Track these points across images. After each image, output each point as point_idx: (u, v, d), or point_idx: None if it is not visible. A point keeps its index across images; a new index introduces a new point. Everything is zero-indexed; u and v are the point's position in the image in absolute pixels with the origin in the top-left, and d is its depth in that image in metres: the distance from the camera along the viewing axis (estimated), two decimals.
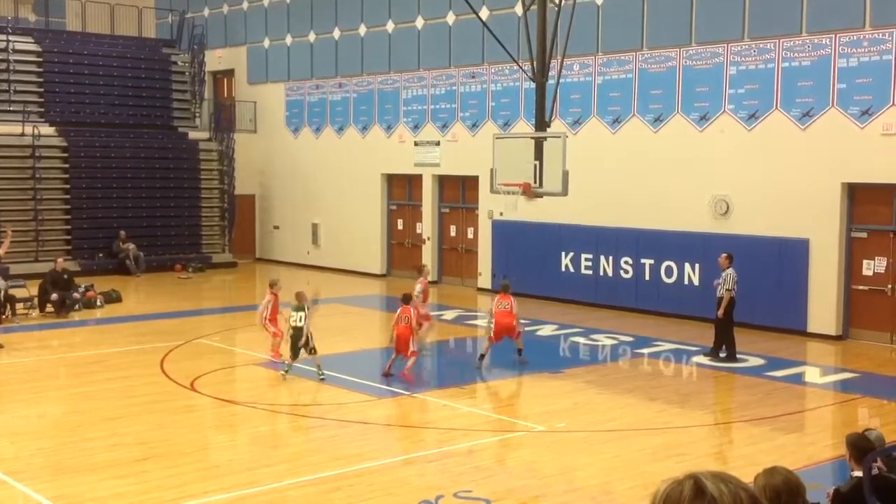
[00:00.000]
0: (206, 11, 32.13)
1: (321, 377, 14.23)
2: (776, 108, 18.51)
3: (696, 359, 16.15)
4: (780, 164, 18.39)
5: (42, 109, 27.70)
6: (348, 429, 11.91)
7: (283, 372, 14.46)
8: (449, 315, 20.93)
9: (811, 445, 11.42)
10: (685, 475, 2.27)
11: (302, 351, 14.42)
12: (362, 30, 27.19)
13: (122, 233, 26.83)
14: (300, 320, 14.40)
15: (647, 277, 20.52)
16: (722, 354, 15.78)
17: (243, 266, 29.34)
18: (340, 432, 11.75)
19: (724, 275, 15.74)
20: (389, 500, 9.15)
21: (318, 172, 28.67)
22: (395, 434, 11.73)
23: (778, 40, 18.43)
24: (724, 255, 16.00)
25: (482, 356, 15.67)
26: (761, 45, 18.70)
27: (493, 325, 15.52)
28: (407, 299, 14.93)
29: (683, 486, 2.23)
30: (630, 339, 17.88)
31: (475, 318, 20.70)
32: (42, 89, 27.99)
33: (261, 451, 11.09)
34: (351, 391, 13.92)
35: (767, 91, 18.62)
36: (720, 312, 15.67)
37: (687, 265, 19.80)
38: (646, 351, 16.89)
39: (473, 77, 24.35)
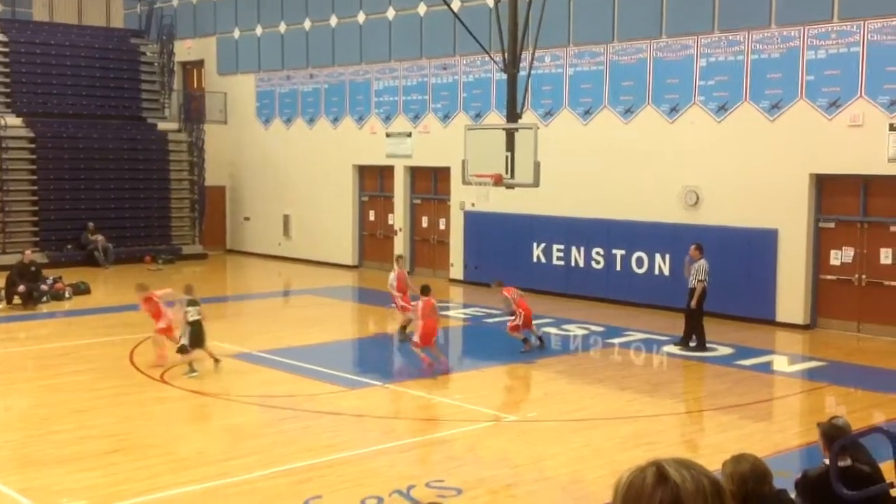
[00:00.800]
0: (175, 1, 31.83)
1: (192, 373, 13.82)
2: (745, 99, 18.64)
3: (666, 348, 16.26)
4: (750, 155, 18.53)
5: (8, 100, 27.34)
6: (320, 420, 11.87)
7: (192, 374, 13.90)
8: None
9: (779, 433, 11.54)
10: (648, 462, 2.26)
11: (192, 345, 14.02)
12: (333, 20, 27.05)
13: (91, 224, 26.57)
14: (198, 314, 14.06)
15: (618, 268, 20.61)
16: (692, 344, 15.91)
17: (214, 257, 29.16)
18: (312, 423, 11.72)
19: (696, 266, 15.84)
20: (361, 491, 9.14)
21: (290, 164, 28.53)
22: (367, 425, 11.71)
23: (747, 32, 18.55)
24: (694, 245, 16.11)
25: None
26: (731, 38, 18.81)
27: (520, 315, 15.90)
28: (427, 291, 14.79)
29: (646, 473, 2.23)
30: (601, 328, 17.97)
31: (447, 308, 20.68)
32: (8, 80, 27.62)
33: (231, 442, 11.02)
34: (323, 382, 13.88)
35: (737, 83, 18.75)
36: (693, 303, 15.77)
37: (658, 255, 19.91)
38: (616, 341, 16.98)
39: (445, 68, 24.31)
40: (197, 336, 14.07)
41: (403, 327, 16.96)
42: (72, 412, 12.13)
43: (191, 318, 14.02)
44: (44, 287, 20.27)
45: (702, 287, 15.73)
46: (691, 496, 2.17)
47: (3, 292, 19.89)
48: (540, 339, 16.10)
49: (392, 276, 17.30)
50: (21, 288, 19.68)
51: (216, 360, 14.32)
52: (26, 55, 28.06)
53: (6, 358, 15.58)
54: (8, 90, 27.50)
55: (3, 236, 25.81)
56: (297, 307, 22.07)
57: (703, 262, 15.85)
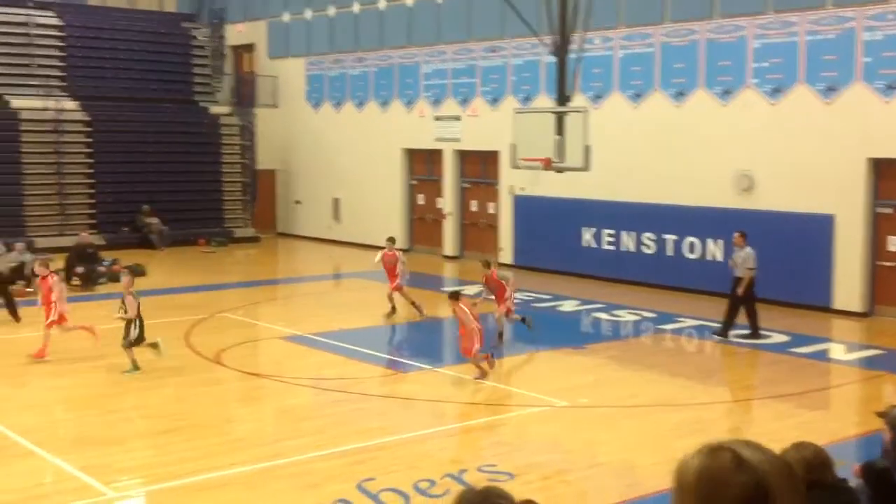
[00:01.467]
0: None
1: (133, 370, 13.10)
2: (800, 81, 18.33)
3: (719, 335, 16.09)
4: (805, 138, 18.23)
5: (64, 84, 27.80)
6: (370, 402, 11.99)
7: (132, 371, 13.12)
8: (471, 290, 20.89)
9: (836, 422, 11.40)
10: (710, 447, 2.14)
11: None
12: (382, 3, 27.06)
13: (146, 207, 26.97)
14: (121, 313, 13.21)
15: (669, 253, 20.44)
16: (746, 332, 15.64)
17: (265, 241, 29.45)
18: (363, 406, 11.83)
19: (743, 253, 15.57)
20: (413, 474, 9.21)
21: (339, 147, 28.67)
22: (417, 408, 11.79)
23: (802, 13, 18.21)
24: (738, 233, 15.81)
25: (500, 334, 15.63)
26: (785, 19, 18.49)
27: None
28: (456, 296, 13.52)
29: (720, 458, 2.11)
30: (653, 314, 17.84)
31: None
32: (65, 64, 28.07)
33: (284, 423, 11.18)
34: (374, 365, 14.00)
35: (791, 65, 18.43)
36: (741, 291, 15.49)
37: (710, 241, 19.70)
38: (669, 327, 16.86)
39: (493, 51, 24.22)
40: (126, 330, 13.26)
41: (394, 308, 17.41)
42: (129, 392, 12.39)
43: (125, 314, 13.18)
44: (101, 269, 20.66)
45: (751, 276, 15.45)
46: (774, 477, 2.08)
47: (62, 274, 20.26)
48: (500, 334, 15.56)
49: (378, 255, 17.82)
50: (79, 269, 20.07)
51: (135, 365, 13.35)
52: (81, 39, 28.48)
53: (65, 338, 15.89)
54: (64, 74, 27.94)
55: (62, 219, 26.29)
56: (348, 290, 22.22)
57: (749, 249, 15.57)
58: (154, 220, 26.93)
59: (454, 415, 11.55)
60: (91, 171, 27.13)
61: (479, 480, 9.02)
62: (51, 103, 26.55)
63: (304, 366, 14.02)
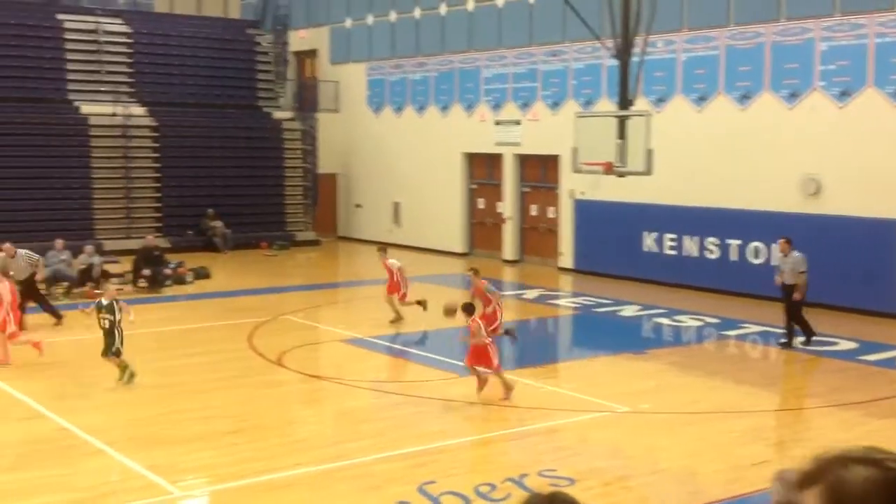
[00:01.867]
0: None
1: (129, 379, 12.75)
2: (869, 84, 17.95)
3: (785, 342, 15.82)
4: (873, 142, 17.84)
5: (132, 90, 28.40)
6: (431, 406, 12.03)
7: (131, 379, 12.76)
8: (531, 294, 20.92)
9: None
10: (835, 456, 1.87)
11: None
12: (443, 9, 27.17)
13: (210, 210, 27.42)
14: (106, 322, 12.63)
15: (733, 258, 20.15)
16: (800, 339, 15.31)
17: (326, 244, 29.73)
18: (422, 409, 11.88)
19: (791, 259, 15.21)
20: (474, 477, 9.23)
21: (400, 151, 28.84)
22: (478, 412, 11.80)
23: (870, 15, 17.84)
24: (783, 239, 15.50)
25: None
26: (853, 21, 18.12)
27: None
28: (470, 310, 12.72)
29: (860, 470, 1.83)
30: (716, 320, 17.61)
31: (557, 297, 20.64)
32: (132, 70, 28.68)
33: (345, 426, 11.27)
34: (433, 368, 14.04)
35: (860, 68, 18.06)
36: (798, 296, 15.12)
37: (775, 246, 19.37)
38: (732, 333, 16.62)
39: (554, 55, 24.16)
40: (106, 344, 12.73)
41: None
42: (194, 393, 12.61)
43: (104, 325, 12.68)
44: (167, 271, 21.06)
45: (805, 279, 15.11)
46: None
47: (129, 276, 20.73)
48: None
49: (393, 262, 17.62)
50: (146, 272, 20.49)
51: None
52: (148, 46, 29.09)
53: (133, 339, 16.18)
54: (132, 80, 28.56)
55: (128, 222, 26.86)
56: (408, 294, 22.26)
57: (797, 254, 15.26)
58: (218, 224, 27.37)
59: (514, 419, 11.54)
60: (158, 175, 27.67)
61: (539, 485, 9.00)
62: (119, 109, 27.16)
63: (364, 368, 14.13)
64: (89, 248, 20.34)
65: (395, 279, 17.17)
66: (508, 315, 19.74)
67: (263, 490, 9.12)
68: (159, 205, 27.60)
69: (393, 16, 28.79)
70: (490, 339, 12.43)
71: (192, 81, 29.38)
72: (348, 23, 30.45)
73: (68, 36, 27.90)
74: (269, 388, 13.03)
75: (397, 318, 17.12)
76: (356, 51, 30.27)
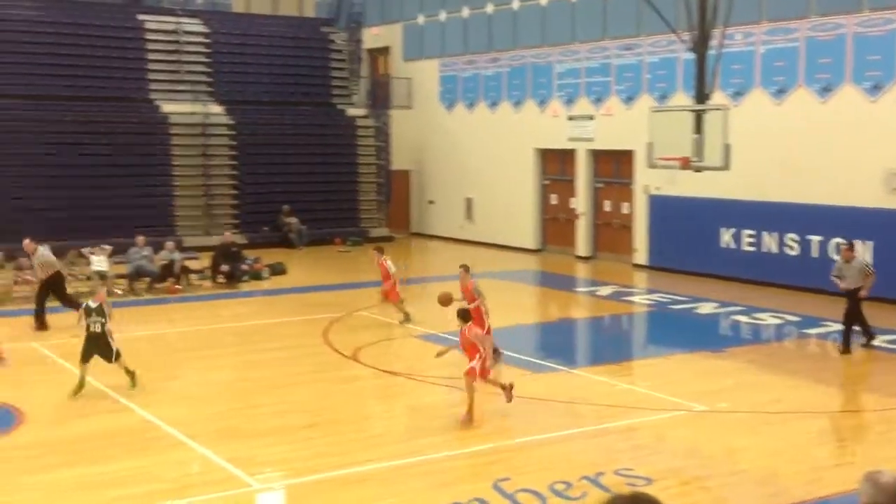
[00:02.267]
0: None
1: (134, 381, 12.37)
2: None
3: (865, 344, 15.39)
4: None
5: (211, 89, 28.94)
6: (503, 402, 12.00)
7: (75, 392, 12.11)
8: (604, 291, 20.76)
9: None
10: None
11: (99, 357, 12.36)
12: (516, 4, 27.09)
13: (286, 207, 27.80)
14: (98, 326, 12.17)
15: (814, 254, 19.70)
16: (863, 340, 14.82)
17: (399, 240, 29.89)
18: (497, 406, 11.86)
19: (855, 265, 14.68)
20: (548, 475, 9.19)
21: (472, 147, 28.85)
22: (552, 409, 11.74)
23: None
24: (846, 246, 15.05)
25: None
26: None
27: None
28: (466, 316, 11.70)
29: None
30: (796, 318, 17.24)
31: (631, 294, 20.44)
32: (211, 69, 29.22)
33: (419, 421, 11.32)
34: (505, 365, 14.01)
35: None
36: (864, 293, 14.60)
37: (858, 242, 18.85)
38: (813, 331, 16.26)
39: (628, 49, 23.90)
40: (85, 348, 12.25)
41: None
42: (272, 387, 12.81)
43: (92, 329, 12.18)
44: (244, 267, 21.43)
45: (873, 279, 14.63)
46: None
47: (208, 272, 21.14)
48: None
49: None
50: (224, 268, 20.88)
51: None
52: (226, 45, 29.60)
53: (211, 334, 16.60)
54: (210, 80, 29.10)
55: (207, 219, 27.40)
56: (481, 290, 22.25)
57: (859, 258, 14.89)
58: (293, 220, 27.74)
59: (589, 417, 11.46)
60: (235, 172, 28.16)
61: (616, 484, 8.94)
62: (198, 108, 27.70)
63: (437, 364, 14.12)
64: (170, 244, 20.78)
65: (392, 280, 16.81)
66: (582, 312, 19.70)
67: (338, 484, 9.23)
68: (237, 202, 28.08)
69: (465, 11, 28.80)
70: (487, 350, 11.41)
71: (268, 80, 29.81)
72: (421, 19, 30.55)
73: (149, 36, 28.53)
74: (344, 384, 13.17)
75: (406, 319, 16.76)
76: (429, 47, 30.36)
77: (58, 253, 19.68)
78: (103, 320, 12.23)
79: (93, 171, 25.81)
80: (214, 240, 23.62)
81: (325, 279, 22.29)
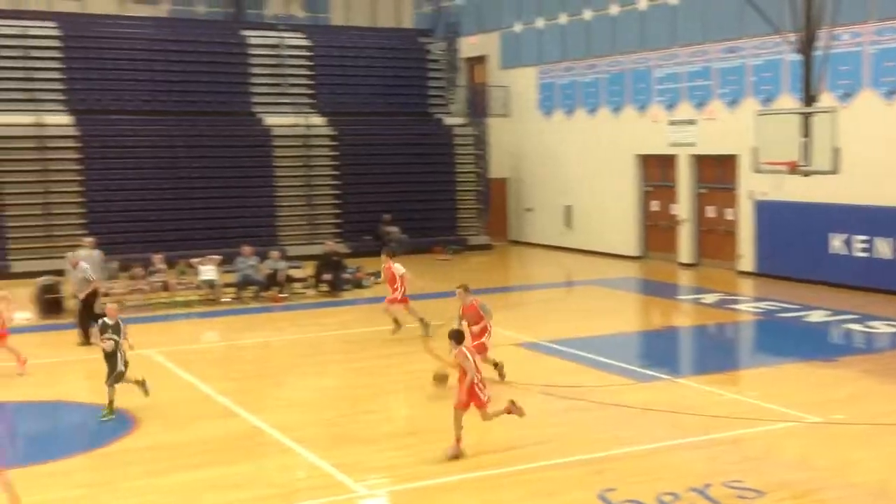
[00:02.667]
0: None
1: (109, 414, 11.78)
2: None
3: None
4: None
5: (312, 101, 29.49)
6: (606, 411, 11.88)
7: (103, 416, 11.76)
8: (709, 299, 20.34)
9: None
10: None
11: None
12: (614, 9, 26.84)
13: (387, 216, 28.10)
14: (111, 344, 11.82)
15: None
16: None
17: (497, 248, 29.91)
18: (597, 414, 11.75)
19: None
20: (655, 486, 9.04)
21: (571, 154, 28.67)
22: (656, 419, 11.56)
23: None
24: None
25: None
26: None
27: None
28: (460, 338, 10.66)
29: None
30: None
31: (737, 301, 19.99)
32: (313, 81, 29.78)
33: (517, 430, 11.24)
34: (607, 373, 13.87)
35: None
36: None
37: None
38: None
39: (731, 52, 23.41)
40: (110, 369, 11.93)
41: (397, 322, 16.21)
42: (375, 395, 12.97)
43: (106, 348, 11.85)
44: (346, 276, 21.74)
45: None
46: None
47: (311, 280, 21.51)
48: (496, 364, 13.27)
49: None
50: (327, 276, 21.22)
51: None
52: (326, 58, 30.13)
53: (317, 342, 16.88)
54: (312, 92, 29.66)
55: (310, 228, 27.91)
56: (581, 298, 22.14)
57: None
58: (394, 229, 28.02)
59: (696, 427, 11.23)
60: (336, 182, 28.61)
61: (725, 496, 8.75)
62: (300, 120, 28.27)
63: (537, 372, 14.09)
64: (275, 253, 21.23)
65: (400, 286, 16.35)
66: (686, 320, 19.35)
67: (439, 492, 9.26)
68: (338, 211, 28.52)
69: (563, 18, 28.68)
70: (480, 375, 10.42)
71: (368, 91, 30.22)
72: (518, 27, 30.55)
73: (252, 51, 29.27)
74: (444, 391, 13.18)
75: (397, 328, 16.15)
76: (526, 55, 30.33)
77: (168, 263, 20.43)
78: (116, 338, 11.82)
79: (200, 182, 26.57)
80: (317, 249, 24.04)
81: (425, 287, 22.40)
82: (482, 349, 12.67)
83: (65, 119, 25.98)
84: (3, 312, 14.36)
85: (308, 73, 29.80)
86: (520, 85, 30.62)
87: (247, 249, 20.86)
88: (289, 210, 27.93)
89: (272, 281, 20.53)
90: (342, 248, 25.43)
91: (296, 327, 17.99)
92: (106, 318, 12.10)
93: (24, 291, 18.83)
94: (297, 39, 30.11)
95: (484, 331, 13.02)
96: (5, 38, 26.38)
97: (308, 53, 29.96)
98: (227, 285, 20.50)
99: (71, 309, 18.64)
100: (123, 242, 23.52)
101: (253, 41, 29.37)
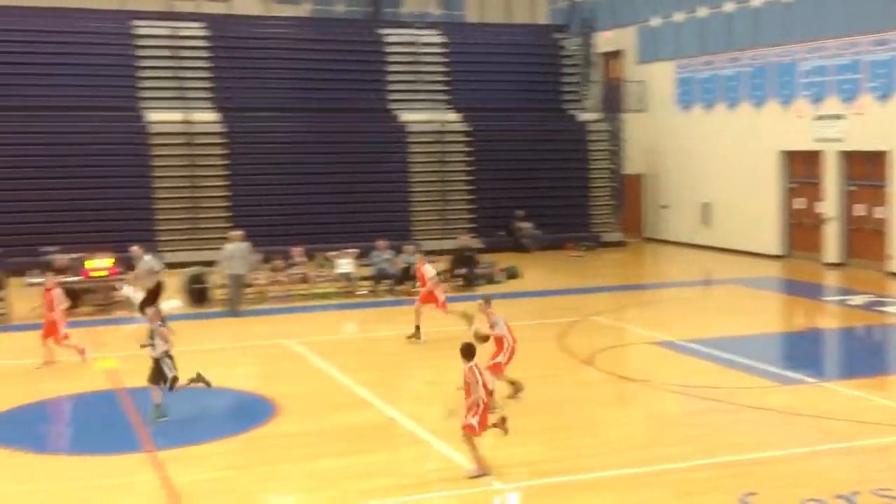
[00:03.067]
0: None
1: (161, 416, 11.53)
2: None
3: None
4: None
5: (447, 97, 29.74)
6: (746, 414, 11.57)
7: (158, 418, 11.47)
8: (857, 300, 19.50)
9: None
10: None
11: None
12: (757, 1, 26.03)
13: (520, 212, 28.08)
14: (149, 349, 11.56)
15: None
16: None
17: (631, 245, 29.47)
18: (738, 417, 11.45)
19: None
20: (799, 492, 8.74)
21: (709, 150, 27.95)
22: (799, 423, 11.16)
23: None
24: None
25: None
26: None
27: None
28: (470, 353, 9.73)
29: None
30: None
31: (887, 304, 19.09)
32: (447, 78, 30.02)
33: (656, 430, 11.08)
34: (748, 375, 13.49)
35: None
36: None
37: None
38: None
39: (882, 45, 22.36)
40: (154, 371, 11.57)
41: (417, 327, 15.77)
42: (506, 389, 12.93)
43: (153, 354, 11.51)
44: (479, 271, 21.84)
45: None
46: None
47: (445, 274, 21.64)
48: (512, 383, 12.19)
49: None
50: (460, 271, 21.38)
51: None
52: (462, 55, 30.32)
53: (450, 335, 16.95)
54: (447, 88, 29.91)
55: (443, 223, 28.16)
56: (720, 297, 21.57)
57: None
58: (527, 225, 27.99)
59: (841, 433, 10.79)
60: (470, 178, 28.76)
61: None
62: (435, 116, 28.55)
63: (675, 372, 13.83)
64: (410, 247, 21.50)
65: (430, 288, 16.07)
66: (832, 322, 18.60)
67: (577, 489, 9.20)
68: (472, 206, 28.67)
69: (703, 11, 27.99)
70: (489, 395, 9.69)
71: (502, 87, 30.28)
72: (655, 21, 29.98)
73: (388, 49, 29.74)
74: (579, 388, 13.13)
75: (416, 334, 15.75)
76: (664, 49, 29.74)
77: (307, 256, 20.98)
78: (152, 342, 11.53)
79: (337, 178, 27.15)
80: (450, 244, 24.23)
81: (558, 284, 22.33)
82: (496, 369, 11.77)
83: (212, 116, 27.03)
84: (56, 302, 14.46)
85: (443, 69, 30.07)
86: (656, 79, 30.05)
87: (382, 243, 21.21)
88: (422, 205, 28.25)
89: (406, 275, 20.81)
90: (475, 242, 25.54)
91: (429, 321, 18.12)
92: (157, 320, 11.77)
93: (173, 281, 19.69)
94: (433, 37, 30.41)
95: (500, 348, 12.15)
96: (157, 38, 27.67)
97: (443, 50, 30.24)
98: (363, 278, 20.90)
99: (216, 299, 19.45)
100: (266, 235, 24.25)
101: (390, 39, 29.83)
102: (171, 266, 22.86)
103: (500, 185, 28.48)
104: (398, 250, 21.30)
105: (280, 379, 13.75)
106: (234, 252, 18.53)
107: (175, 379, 11.52)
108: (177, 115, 26.50)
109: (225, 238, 19.72)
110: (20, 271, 19.52)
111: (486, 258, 23.17)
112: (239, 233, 19.43)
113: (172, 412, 11.51)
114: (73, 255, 19.60)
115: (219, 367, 14.80)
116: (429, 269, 16.45)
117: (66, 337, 14.48)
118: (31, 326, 16.13)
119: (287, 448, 10.52)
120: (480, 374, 9.57)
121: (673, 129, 29.57)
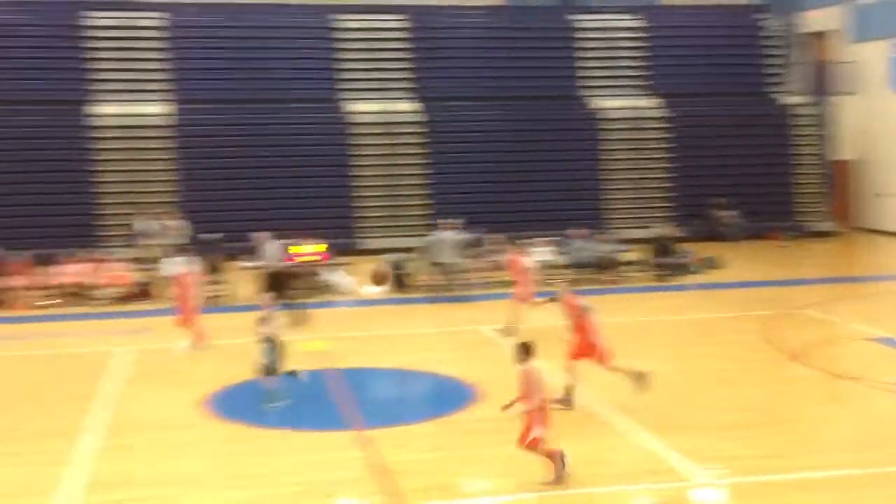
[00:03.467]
0: None
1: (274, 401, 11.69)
2: None
3: None
4: None
5: (643, 83, 29.22)
6: None
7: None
8: None
9: None
10: None
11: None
12: None
13: (722, 200, 27.17)
14: (269, 332, 11.76)
15: None
16: None
17: (842, 235, 27.94)
18: None
19: None
20: None
21: None
22: None
23: None
24: None
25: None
26: None
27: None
28: (525, 353, 9.02)
29: None
30: None
31: None
32: (643, 63, 29.47)
33: (873, 430, 10.50)
34: None
35: None
36: None
37: None
38: None
39: None
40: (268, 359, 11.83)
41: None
42: (711, 382, 12.68)
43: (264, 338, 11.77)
44: (678, 260, 21.37)
45: None
46: None
47: (642, 265, 21.33)
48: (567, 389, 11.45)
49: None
50: (658, 260, 21.02)
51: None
52: (658, 38, 29.71)
53: (647, 325, 16.62)
54: (643, 74, 29.36)
55: (638, 211, 27.67)
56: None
57: None
58: (728, 213, 27.10)
59: None
60: (667, 165, 28.12)
61: None
62: (630, 102, 28.12)
63: (892, 370, 13.04)
64: (606, 236, 21.38)
65: (525, 279, 15.20)
66: None
67: (788, 488, 8.86)
68: (670, 194, 28.03)
69: None
70: (544, 401, 8.86)
71: (700, 71, 29.48)
72: None
73: (580, 35, 29.50)
74: (786, 384, 12.66)
75: (509, 329, 14.78)
76: (877, 27, 27.95)
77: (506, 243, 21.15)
78: (265, 330, 11.79)
79: (526, 166, 27.19)
80: (644, 233, 23.81)
81: (761, 275, 21.49)
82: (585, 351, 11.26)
83: (412, 106, 27.71)
84: (190, 289, 14.90)
85: (640, 54, 29.63)
86: (869, 60, 28.30)
87: (579, 232, 21.14)
88: (616, 193, 27.89)
89: (602, 263, 20.64)
90: (674, 231, 24.94)
91: (628, 310, 17.88)
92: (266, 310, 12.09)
93: (370, 267, 20.35)
94: (627, 21, 29.92)
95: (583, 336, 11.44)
96: (357, 31, 28.66)
97: (639, 35, 29.69)
98: (561, 267, 20.85)
99: (415, 285, 19.94)
100: (465, 224, 24.66)
101: (581, 25, 29.59)
102: (368, 252, 23.63)
103: (698, 172, 27.71)
104: (594, 239, 21.15)
105: (475, 364, 13.93)
106: (444, 240, 18.95)
107: (265, 367, 11.68)
108: (376, 106, 27.34)
109: (429, 225, 20.14)
110: (233, 256, 20.56)
111: (684, 248, 22.60)
112: (452, 221, 19.81)
113: (381, 394, 11.87)
114: (282, 241, 20.53)
115: (421, 351, 15.22)
116: (527, 262, 15.91)
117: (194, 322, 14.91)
118: (252, 308, 16.98)
119: (489, 432, 10.59)
120: (538, 377, 8.82)
121: (887, 111, 27.76)
